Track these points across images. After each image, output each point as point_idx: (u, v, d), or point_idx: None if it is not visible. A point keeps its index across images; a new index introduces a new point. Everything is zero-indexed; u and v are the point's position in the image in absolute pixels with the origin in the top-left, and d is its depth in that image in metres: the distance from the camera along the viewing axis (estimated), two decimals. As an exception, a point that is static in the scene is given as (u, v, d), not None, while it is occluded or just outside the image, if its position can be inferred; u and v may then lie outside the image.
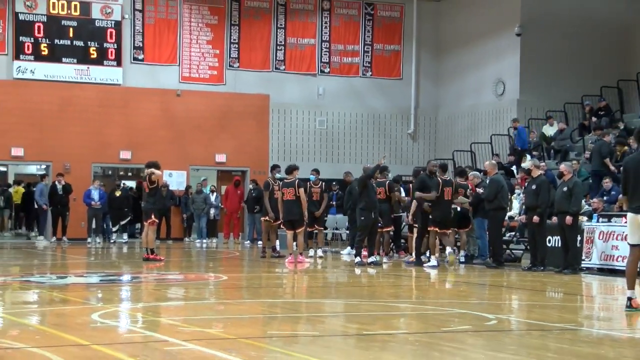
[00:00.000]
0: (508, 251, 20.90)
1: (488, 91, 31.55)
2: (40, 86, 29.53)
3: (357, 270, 18.13)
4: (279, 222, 20.71)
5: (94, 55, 30.04)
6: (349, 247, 22.76)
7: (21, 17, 29.50)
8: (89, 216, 28.23)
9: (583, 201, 19.09)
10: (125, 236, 29.42)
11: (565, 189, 17.58)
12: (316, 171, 23.19)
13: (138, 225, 29.66)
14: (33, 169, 34.43)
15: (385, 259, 20.71)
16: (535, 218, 18.01)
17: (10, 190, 32.97)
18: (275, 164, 22.86)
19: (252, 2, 31.93)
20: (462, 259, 20.27)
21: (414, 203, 19.65)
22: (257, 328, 9.75)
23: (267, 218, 21.16)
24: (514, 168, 26.59)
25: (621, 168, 12.07)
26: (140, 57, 30.84)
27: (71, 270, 18.43)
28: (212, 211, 30.19)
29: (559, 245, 18.02)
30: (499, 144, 29.66)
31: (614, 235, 17.20)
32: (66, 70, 29.83)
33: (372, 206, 18.98)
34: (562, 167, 18.36)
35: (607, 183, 20.34)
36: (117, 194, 28.80)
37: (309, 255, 21.63)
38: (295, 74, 32.46)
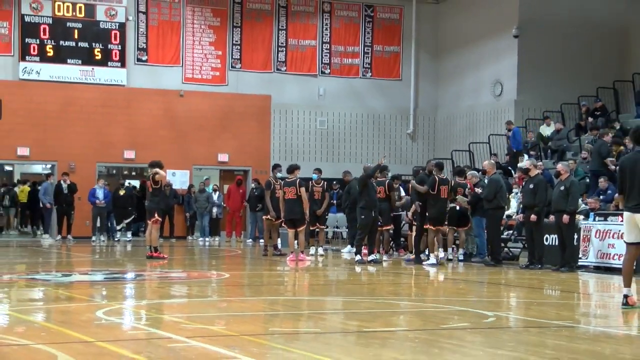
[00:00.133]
0: (506, 249, 20.96)
1: (486, 92, 31.65)
2: (46, 87, 29.66)
3: (358, 268, 18.19)
4: (281, 220, 20.84)
5: (99, 56, 30.16)
6: (349, 246, 22.86)
7: (27, 19, 29.63)
8: (94, 215, 28.30)
9: (580, 200, 19.23)
10: (129, 234, 29.56)
11: (562, 188, 17.69)
12: (319, 170, 23.31)
13: (142, 224, 29.80)
14: (38, 168, 34.57)
15: (385, 257, 20.76)
16: (533, 217, 18.11)
17: (16, 189, 33.15)
18: (276, 164, 22.94)
19: (253, 4, 32.05)
20: (461, 257, 20.42)
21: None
22: (259, 325, 9.77)
23: (268, 217, 21.24)
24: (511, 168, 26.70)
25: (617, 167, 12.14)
26: (144, 58, 30.97)
27: (76, 268, 18.43)
28: (215, 210, 30.28)
29: (556, 243, 18.12)
30: (496, 144, 29.73)
31: (610, 233, 17.32)
32: (71, 71, 29.95)
33: (372, 205, 19.10)
34: (559, 166, 18.48)
35: (602, 183, 20.50)
36: (121, 193, 28.91)
37: (309, 254, 21.71)
38: (296, 75, 32.57)
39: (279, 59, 32.35)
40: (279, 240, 22.21)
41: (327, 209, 23.20)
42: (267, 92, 32.04)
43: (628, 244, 11.16)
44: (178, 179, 30.63)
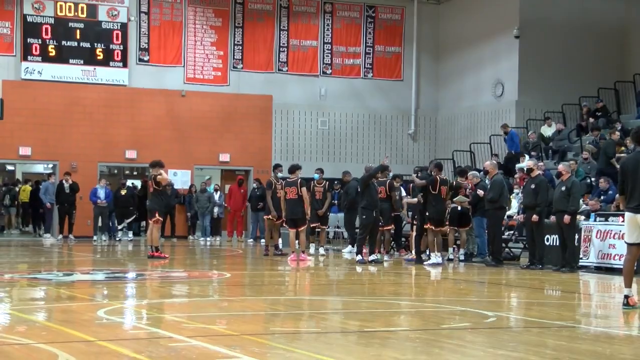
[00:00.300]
0: (507, 249, 20.98)
1: (487, 92, 31.68)
2: (48, 87, 29.71)
3: (359, 268, 18.23)
4: (282, 220, 20.88)
5: (100, 56, 30.21)
6: (349, 246, 22.90)
7: (29, 19, 29.68)
8: (95, 214, 28.35)
9: (581, 200, 19.25)
10: (130, 234, 29.58)
11: (563, 188, 17.71)
12: (320, 170, 23.37)
13: (143, 223, 29.84)
14: (40, 168, 34.64)
15: (386, 257, 20.79)
16: (535, 217, 18.12)
17: (17, 188, 33.18)
18: (277, 164, 22.97)
19: (255, 4, 32.08)
20: (462, 257, 20.45)
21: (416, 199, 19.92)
22: (260, 325, 9.79)
23: (270, 216, 21.29)
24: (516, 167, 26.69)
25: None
26: (146, 58, 31.01)
27: (77, 268, 18.44)
28: (216, 210, 30.32)
29: (557, 243, 18.14)
30: (497, 145, 29.76)
31: (611, 234, 17.33)
32: (73, 71, 30.00)
33: (374, 205, 19.13)
34: (561, 167, 18.48)
35: (603, 183, 20.52)
36: (123, 192, 28.94)
37: (310, 253, 21.72)
38: (298, 75, 32.61)
39: (280, 59, 32.39)
40: (280, 240, 22.24)
41: (328, 208, 23.22)
42: (268, 92, 32.07)
43: (629, 244, 11.16)
44: (179, 178, 30.66)
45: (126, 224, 29.57)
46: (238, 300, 12.49)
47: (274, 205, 20.90)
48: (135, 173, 33.53)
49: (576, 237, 17.89)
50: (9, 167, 35.38)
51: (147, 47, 30.98)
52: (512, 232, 21.24)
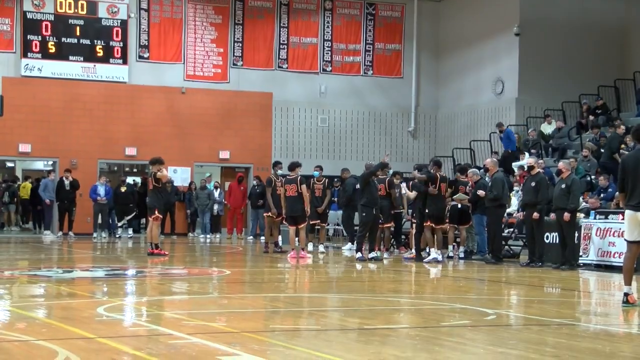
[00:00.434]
0: (506, 247, 20.99)
1: (487, 90, 31.68)
2: (48, 84, 29.72)
3: (358, 266, 18.26)
4: (282, 217, 20.89)
5: (100, 53, 30.21)
6: (349, 243, 22.92)
7: (29, 15, 29.68)
8: (95, 211, 28.39)
9: (580, 198, 19.25)
10: (130, 231, 29.60)
11: (563, 186, 17.70)
12: (320, 167, 23.38)
13: (143, 221, 29.85)
14: (40, 164, 34.66)
15: (385, 255, 20.83)
16: (536, 215, 18.13)
17: (16, 185, 33.18)
18: (277, 161, 22.98)
19: (255, 1, 32.07)
20: (462, 255, 20.46)
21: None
22: (259, 322, 9.79)
23: (269, 214, 21.30)
24: (513, 165, 26.71)
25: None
26: (146, 55, 31.01)
27: (77, 265, 18.44)
28: (216, 207, 30.33)
29: (557, 241, 18.13)
30: (497, 142, 29.71)
31: (610, 231, 17.33)
32: (73, 68, 30.00)
33: (374, 203, 19.14)
34: (561, 164, 18.49)
35: (602, 181, 20.51)
36: (123, 189, 28.97)
37: (309, 251, 21.73)
38: (298, 72, 32.62)
39: (280, 57, 32.39)
40: (279, 238, 22.25)
41: (328, 206, 23.23)
42: (268, 89, 32.08)
43: (629, 242, 11.16)
44: (179, 175, 30.67)
45: (126, 221, 29.59)
46: (238, 297, 12.50)
47: (273, 203, 20.91)
48: (135, 170, 33.54)
49: (576, 234, 17.88)
50: (9, 164, 35.39)
51: (147, 44, 30.99)
52: (511, 229, 21.25)
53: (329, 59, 32.97)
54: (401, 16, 33.79)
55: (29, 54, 29.57)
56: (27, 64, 29.57)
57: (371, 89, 33.56)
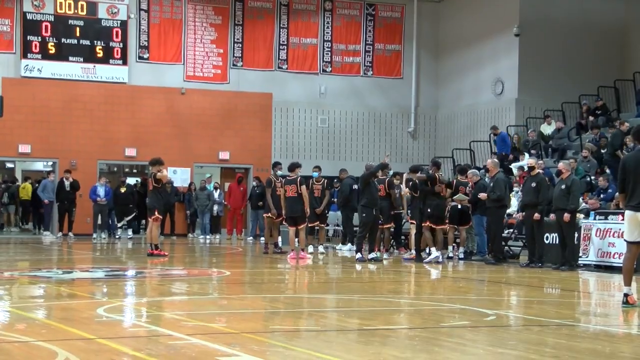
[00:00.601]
0: (506, 248, 20.99)
1: (487, 91, 31.69)
2: (47, 84, 29.73)
3: (358, 267, 18.25)
4: (281, 218, 20.89)
5: (100, 54, 30.22)
6: (349, 244, 22.93)
7: (29, 16, 29.70)
8: (95, 212, 28.40)
9: (580, 199, 19.25)
10: (130, 232, 29.60)
11: (563, 186, 17.70)
12: (318, 168, 23.37)
13: (143, 221, 29.85)
14: (40, 165, 34.67)
15: (385, 255, 20.83)
16: (537, 215, 18.14)
17: (15, 186, 33.17)
18: (277, 161, 22.97)
19: (255, 2, 32.09)
20: (462, 256, 20.46)
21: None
22: (259, 323, 9.80)
23: (269, 214, 21.30)
24: (512, 166, 26.75)
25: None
26: (146, 56, 31.02)
27: (77, 265, 18.44)
28: (216, 207, 30.34)
29: (557, 242, 18.13)
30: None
31: (610, 232, 17.35)
32: (73, 69, 30.02)
33: (374, 203, 19.13)
34: (560, 165, 18.49)
35: (602, 182, 20.51)
36: (122, 190, 28.97)
37: (309, 252, 21.73)
38: (298, 73, 32.63)
39: (280, 57, 32.40)
40: (279, 238, 22.24)
41: (327, 206, 23.22)
42: (268, 90, 32.09)
43: (629, 242, 11.17)
44: (179, 176, 30.68)
45: (126, 222, 29.59)
46: (237, 298, 12.50)
47: (273, 203, 20.91)
48: (135, 171, 33.55)
49: (576, 235, 17.89)
50: (9, 165, 35.39)
51: (147, 44, 31.00)
52: (511, 230, 21.24)
53: (329, 60, 32.98)
54: (401, 17, 33.80)
55: (28, 54, 29.59)
56: (27, 65, 29.59)
57: (371, 90, 33.57)
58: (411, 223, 20.31)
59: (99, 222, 28.58)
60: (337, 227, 28.25)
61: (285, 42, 32.46)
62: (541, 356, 7.64)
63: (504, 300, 13.23)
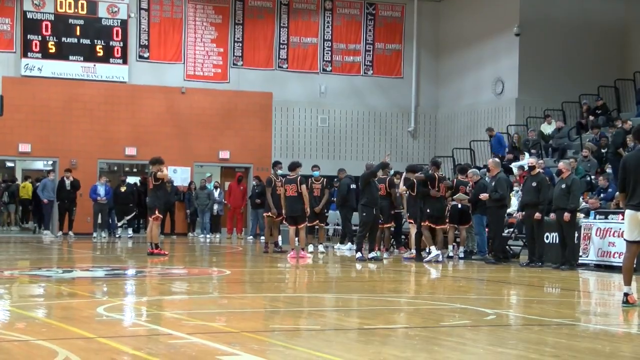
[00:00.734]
0: (506, 247, 21.01)
1: (487, 90, 31.69)
2: (48, 83, 29.74)
3: (358, 266, 18.25)
4: (281, 217, 20.90)
5: (101, 53, 30.23)
6: (349, 243, 22.93)
7: (29, 15, 29.71)
8: (95, 211, 28.40)
9: (580, 198, 19.25)
10: (130, 231, 29.60)
11: (563, 186, 17.70)
12: (317, 167, 23.38)
13: (143, 221, 29.87)
14: (40, 164, 34.67)
15: (385, 255, 20.84)
16: (538, 215, 18.14)
17: (15, 185, 33.18)
18: (277, 161, 22.98)
19: (255, 1, 32.10)
20: (462, 255, 20.47)
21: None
22: (259, 322, 9.79)
23: (269, 214, 21.30)
24: (512, 165, 26.76)
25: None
26: (146, 55, 31.03)
27: (77, 264, 18.45)
28: (216, 207, 30.34)
29: (557, 241, 18.13)
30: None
31: (610, 232, 17.35)
32: (73, 68, 30.02)
33: (374, 203, 19.13)
34: (561, 164, 18.49)
35: (602, 181, 20.51)
36: (123, 189, 28.97)
37: (308, 251, 21.73)
38: (298, 72, 32.63)
39: (280, 57, 32.41)
40: (279, 238, 22.25)
41: (326, 206, 23.22)
42: (268, 89, 32.09)
43: (629, 242, 11.16)
44: (179, 175, 30.68)
45: (126, 221, 29.60)
46: (238, 297, 12.51)
47: (273, 203, 20.92)
48: (135, 170, 33.55)
49: (576, 234, 17.89)
50: (9, 164, 35.40)
51: (147, 44, 31.00)
52: (511, 229, 21.24)
53: (329, 59, 32.98)
54: (401, 16, 33.80)
55: (29, 53, 29.59)
56: (27, 64, 29.59)
57: (371, 89, 33.57)
58: (410, 223, 20.31)
59: (99, 221, 28.57)
60: (337, 227, 28.24)
61: (286, 42, 32.46)
62: (541, 355, 7.63)
63: (504, 299, 13.22)
